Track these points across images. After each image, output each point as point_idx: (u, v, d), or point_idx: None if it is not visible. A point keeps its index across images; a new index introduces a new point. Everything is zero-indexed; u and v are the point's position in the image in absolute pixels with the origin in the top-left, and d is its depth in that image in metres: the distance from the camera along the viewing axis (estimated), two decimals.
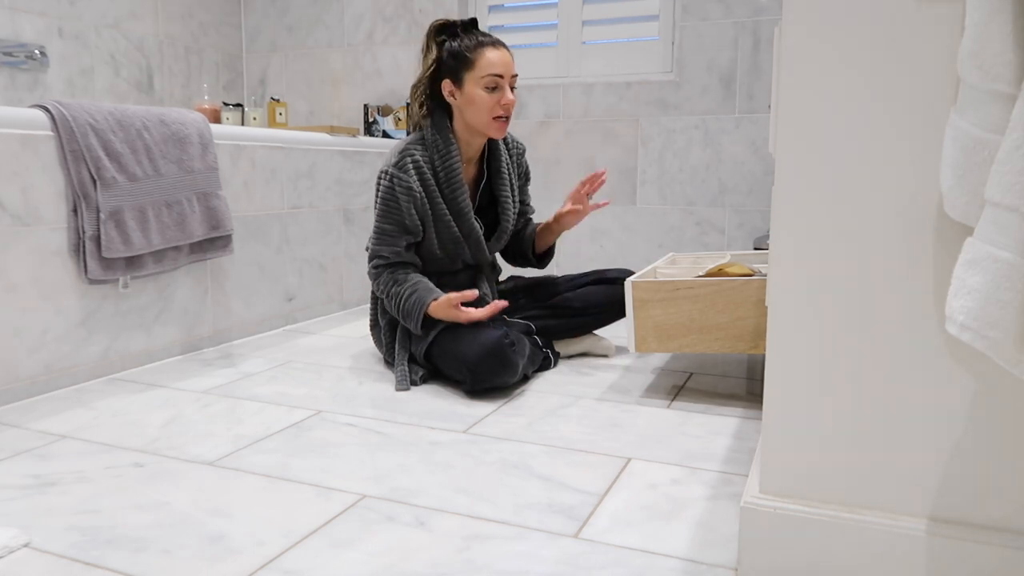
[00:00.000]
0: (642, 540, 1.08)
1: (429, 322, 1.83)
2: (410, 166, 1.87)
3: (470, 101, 1.86)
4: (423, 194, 1.88)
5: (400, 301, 1.84)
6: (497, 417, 1.61)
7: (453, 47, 1.87)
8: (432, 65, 1.90)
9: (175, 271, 2.07)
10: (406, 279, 1.86)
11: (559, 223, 2.09)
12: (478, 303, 1.90)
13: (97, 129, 1.79)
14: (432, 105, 1.93)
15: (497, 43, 1.88)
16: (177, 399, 1.73)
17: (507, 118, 1.89)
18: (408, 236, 1.89)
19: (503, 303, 1.80)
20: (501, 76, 1.85)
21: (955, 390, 0.86)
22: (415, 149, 1.90)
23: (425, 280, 1.87)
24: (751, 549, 0.95)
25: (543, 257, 2.21)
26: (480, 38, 1.87)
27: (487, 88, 1.84)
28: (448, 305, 1.77)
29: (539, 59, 3.13)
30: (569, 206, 2.05)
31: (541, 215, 3.10)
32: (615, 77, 3.00)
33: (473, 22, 1.91)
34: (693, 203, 2.93)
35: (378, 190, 1.89)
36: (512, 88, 1.89)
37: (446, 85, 1.88)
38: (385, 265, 1.90)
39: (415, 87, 1.95)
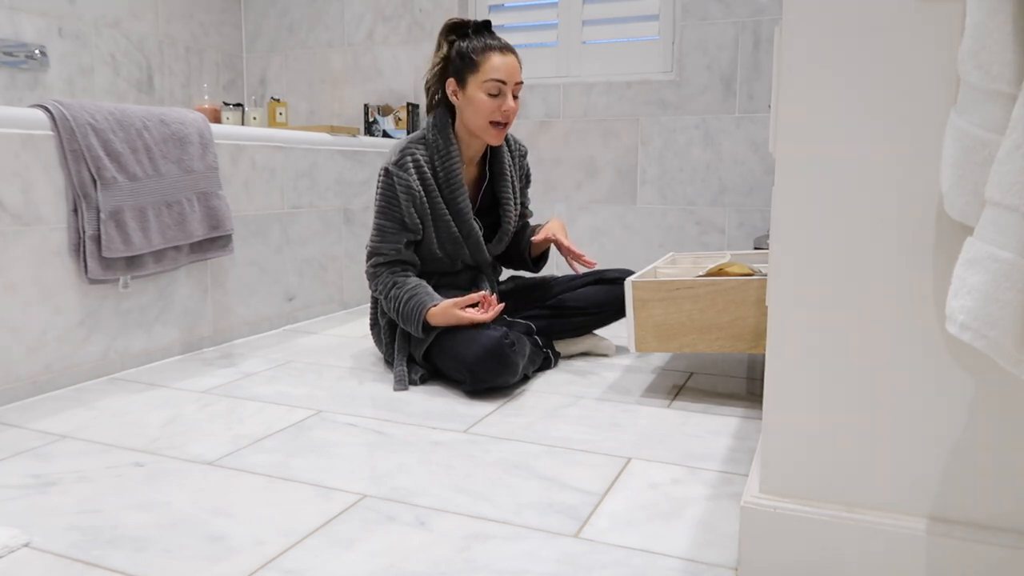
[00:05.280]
0: (642, 540, 1.08)
1: (429, 325, 1.83)
2: (410, 164, 1.87)
3: (470, 103, 1.86)
4: (422, 193, 1.88)
5: (399, 304, 1.83)
6: (497, 417, 1.61)
7: (462, 48, 1.87)
8: (439, 63, 1.91)
9: (175, 271, 2.07)
10: (405, 282, 1.86)
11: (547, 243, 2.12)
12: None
13: (97, 129, 1.79)
14: (437, 103, 1.94)
15: (506, 49, 1.87)
16: (177, 399, 1.73)
17: (506, 124, 1.89)
18: (408, 234, 1.89)
19: (500, 304, 1.81)
20: (504, 82, 1.85)
21: (955, 390, 0.86)
22: (416, 148, 1.90)
23: (424, 284, 1.86)
24: (751, 549, 0.95)
25: (537, 261, 2.21)
26: (489, 41, 1.86)
27: (489, 93, 1.84)
28: (451, 307, 1.77)
29: (539, 59, 3.13)
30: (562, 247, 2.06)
31: (540, 216, 3.10)
32: (615, 77, 3.00)
33: (486, 24, 1.90)
34: (693, 203, 2.93)
35: (378, 187, 1.89)
36: (515, 96, 1.88)
37: (450, 84, 1.89)
38: (384, 263, 1.90)
39: (425, 84, 1.96)
